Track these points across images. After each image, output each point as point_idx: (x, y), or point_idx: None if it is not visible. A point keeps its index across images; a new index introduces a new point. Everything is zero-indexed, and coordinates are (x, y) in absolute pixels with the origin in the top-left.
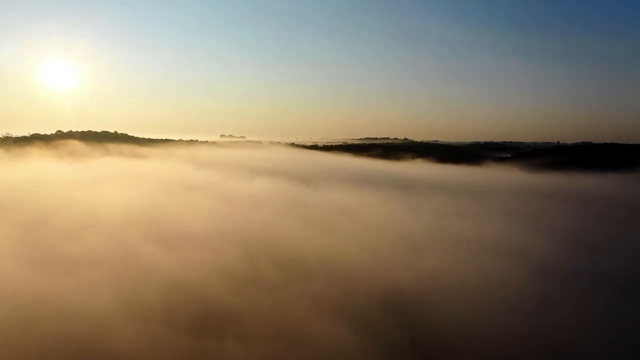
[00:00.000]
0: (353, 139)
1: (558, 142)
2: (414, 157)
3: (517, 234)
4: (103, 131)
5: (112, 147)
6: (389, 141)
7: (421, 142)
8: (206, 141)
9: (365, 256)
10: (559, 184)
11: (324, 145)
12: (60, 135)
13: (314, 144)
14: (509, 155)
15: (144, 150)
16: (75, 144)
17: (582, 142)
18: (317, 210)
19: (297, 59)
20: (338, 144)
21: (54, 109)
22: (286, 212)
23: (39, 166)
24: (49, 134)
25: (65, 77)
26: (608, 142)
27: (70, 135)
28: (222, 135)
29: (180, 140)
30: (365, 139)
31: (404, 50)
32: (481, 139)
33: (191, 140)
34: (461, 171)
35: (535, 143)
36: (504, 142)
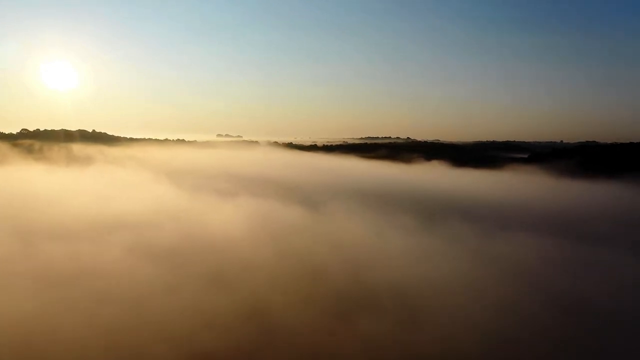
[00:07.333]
0: (353, 138)
1: (561, 141)
2: (426, 159)
3: None
4: (78, 130)
5: (78, 147)
6: (391, 140)
7: (424, 142)
8: (195, 141)
9: None
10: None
11: (324, 145)
12: (25, 134)
13: (313, 143)
14: (525, 156)
15: (113, 150)
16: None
17: (586, 141)
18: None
19: (298, 58)
20: (338, 143)
21: (51, 108)
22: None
23: None
24: (14, 132)
25: (64, 77)
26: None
27: (35, 134)
28: (218, 135)
29: (165, 139)
30: (366, 138)
31: (403, 50)
32: (483, 138)
33: (178, 140)
34: (490, 178)
35: (538, 142)
36: (508, 141)
